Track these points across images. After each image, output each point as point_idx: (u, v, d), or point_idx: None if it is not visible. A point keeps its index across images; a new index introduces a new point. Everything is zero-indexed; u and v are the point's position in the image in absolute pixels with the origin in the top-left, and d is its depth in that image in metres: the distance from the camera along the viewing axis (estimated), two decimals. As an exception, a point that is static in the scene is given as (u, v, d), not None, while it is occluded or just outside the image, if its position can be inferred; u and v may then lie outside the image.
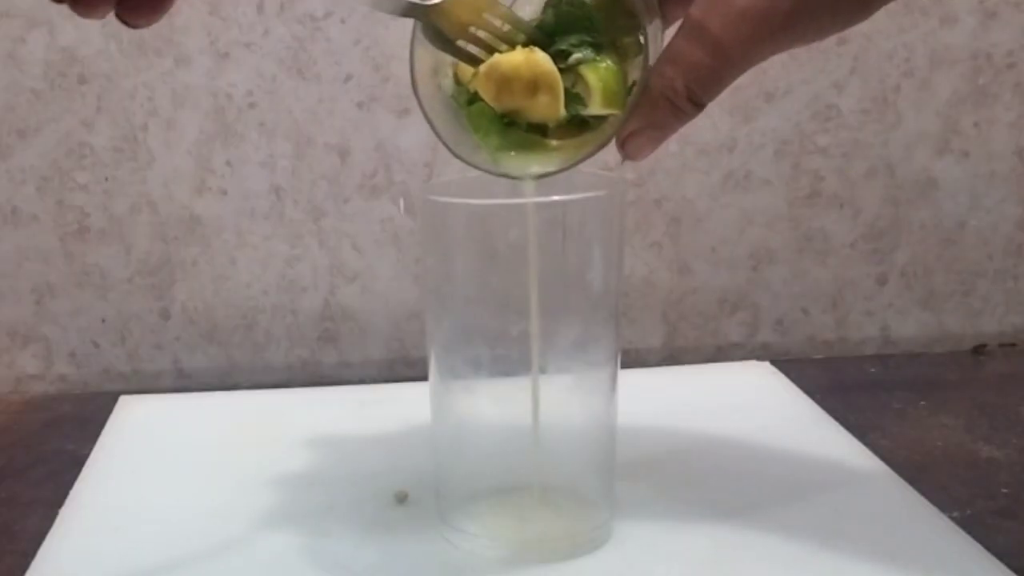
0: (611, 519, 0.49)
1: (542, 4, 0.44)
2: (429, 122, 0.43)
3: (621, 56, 0.43)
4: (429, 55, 0.43)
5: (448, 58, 0.44)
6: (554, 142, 0.43)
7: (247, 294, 0.75)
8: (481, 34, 0.43)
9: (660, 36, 0.43)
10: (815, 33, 0.41)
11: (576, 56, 0.42)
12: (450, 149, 0.43)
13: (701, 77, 0.41)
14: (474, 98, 0.43)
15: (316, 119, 0.72)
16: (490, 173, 0.44)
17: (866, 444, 0.58)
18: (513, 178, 0.44)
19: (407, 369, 0.76)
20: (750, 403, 0.65)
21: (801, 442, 0.58)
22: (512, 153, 0.43)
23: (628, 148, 0.42)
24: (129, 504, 0.54)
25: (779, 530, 0.49)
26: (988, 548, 0.47)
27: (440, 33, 0.42)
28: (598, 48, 0.42)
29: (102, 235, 0.73)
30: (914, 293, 0.78)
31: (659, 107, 0.41)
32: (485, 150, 0.43)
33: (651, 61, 0.41)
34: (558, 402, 0.47)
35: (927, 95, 0.75)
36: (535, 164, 0.43)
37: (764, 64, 0.76)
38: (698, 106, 0.41)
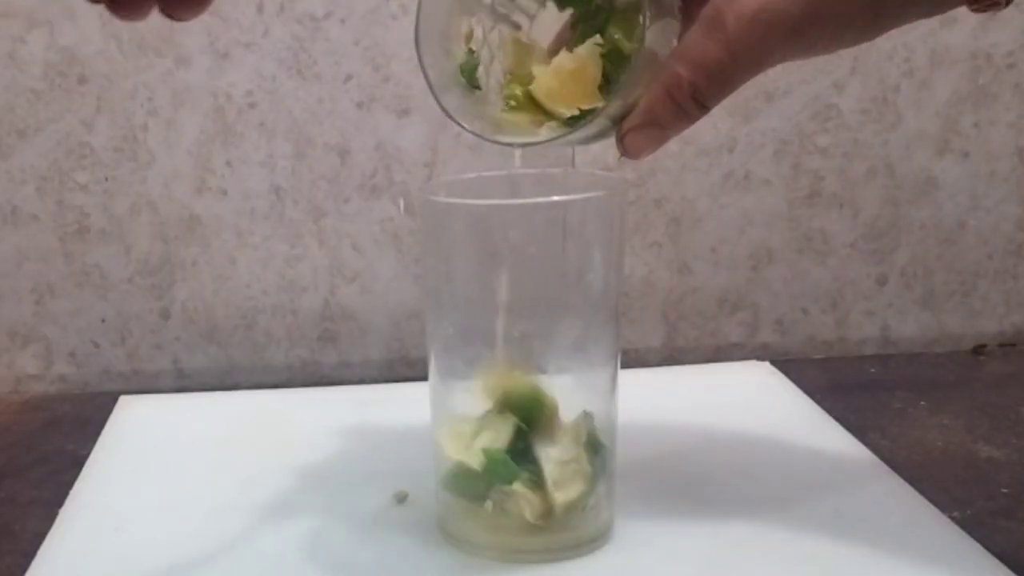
0: (611, 519, 0.49)
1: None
2: (425, 75, 0.43)
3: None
4: (439, 17, 0.43)
5: (459, 24, 0.44)
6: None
7: (247, 294, 0.75)
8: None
9: (675, 34, 0.43)
10: (825, 45, 0.40)
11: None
12: (444, 109, 0.43)
13: (708, 76, 0.40)
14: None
15: (316, 119, 0.72)
16: (483, 139, 0.44)
17: (866, 444, 0.58)
18: (506, 144, 0.44)
19: (407, 369, 0.76)
20: (750, 403, 0.65)
21: (801, 442, 0.58)
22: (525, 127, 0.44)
23: (627, 144, 0.42)
24: (129, 504, 0.54)
25: (779, 530, 0.49)
26: (988, 548, 0.47)
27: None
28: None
29: (102, 235, 0.73)
30: (914, 293, 0.78)
31: (662, 102, 0.41)
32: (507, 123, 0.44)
33: (645, 45, 0.40)
34: (558, 402, 0.47)
35: (927, 95, 0.75)
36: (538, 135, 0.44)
37: (764, 64, 0.76)
38: (702, 107, 0.41)
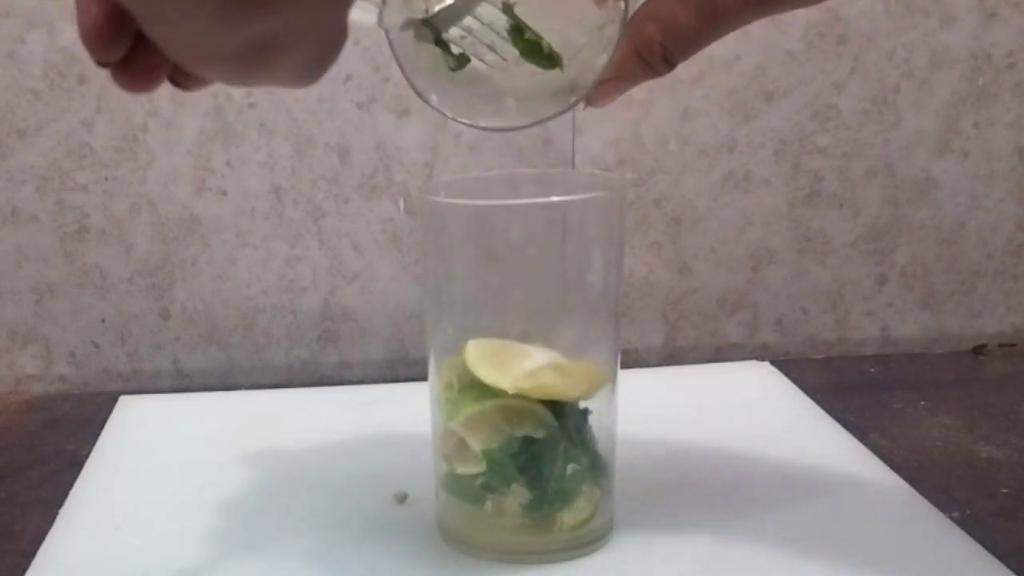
0: (611, 519, 0.49)
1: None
2: (394, 53, 0.43)
3: None
4: None
5: None
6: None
7: (247, 294, 0.75)
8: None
9: None
10: (793, 3, 0.41)
11: None
12: (412, 85, 0.43)
13: (678, 38, 0.40)
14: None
15: (316, 119, 0.72)
16: (444, 116, 0.43)
17: (866, 444, 0.58)
18: (465, 124, 0.43)
19: (407, 369, 0.76)
20: (750, 403, 0.65)
21: (801, 442, 0.58)
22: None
23: (593, 96, 0.42)
24: (129, 504, 0.54)
25: (779, 530, 0.49)
26: (988, 548, 0.47)
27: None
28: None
29: (102, 235, 0.73)
30: (914, 293, 0.78)
31: (630, 61, 0.41)
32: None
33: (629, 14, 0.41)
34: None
35: (927, 95, 0.75)
36: (495, 118, 0.43)
37: (764, 64, 0.77)
38: (669, 65, 0.41)
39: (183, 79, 0.34)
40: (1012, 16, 0.73)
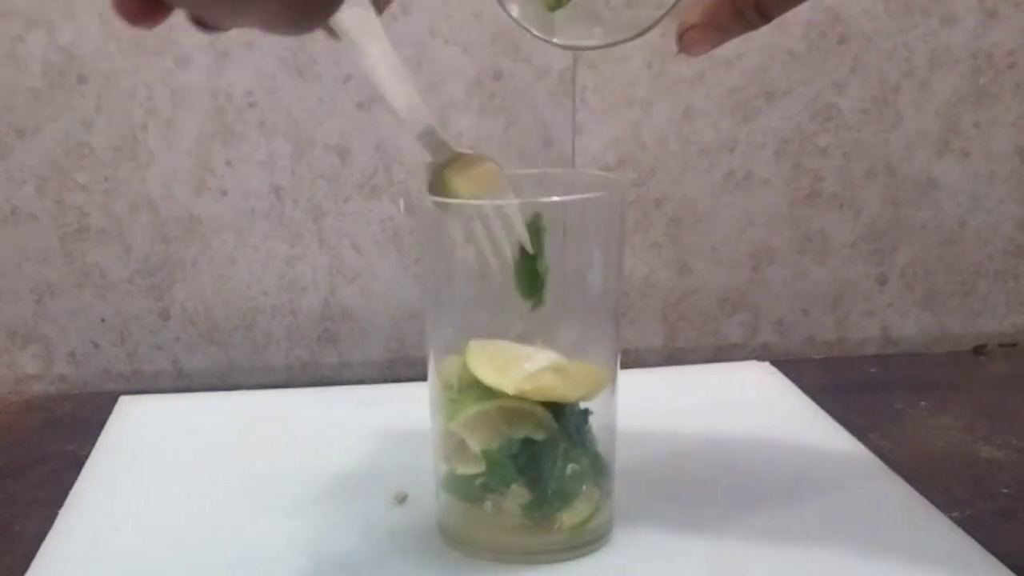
0: (611, 519, 0.49)
1: None
2: None
3: None
4: None
5: None
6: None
7: (247, 294, 0.75)
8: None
9: None
10: None
11: None
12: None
13: None
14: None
15: (316, 119, 0.72)
16: (531, 34, 0.42)
17: (866, 444, 0.58)
18: (547, 42, 0.42)
19: (407, 369, 0.76)
20: (750, 403, 0.65)
21: (801, 442, 0.58)
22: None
23: (686, 40, 0.41)
24: (129, 504, 0.54)
25: (779, 530, 0.49)
26: (988, 548, 0.47)
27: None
28: None
29: (102, 235, 0.73)
30: (914, 293, 0.78)
31: (724, 11, 0.40)
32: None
33: None
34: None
35: (927, 95, 0.75)
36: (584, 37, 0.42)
37: (765, 64, 0.77)
38: (764, 17, 0.40)
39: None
40: (1012, 16, 0.73)
